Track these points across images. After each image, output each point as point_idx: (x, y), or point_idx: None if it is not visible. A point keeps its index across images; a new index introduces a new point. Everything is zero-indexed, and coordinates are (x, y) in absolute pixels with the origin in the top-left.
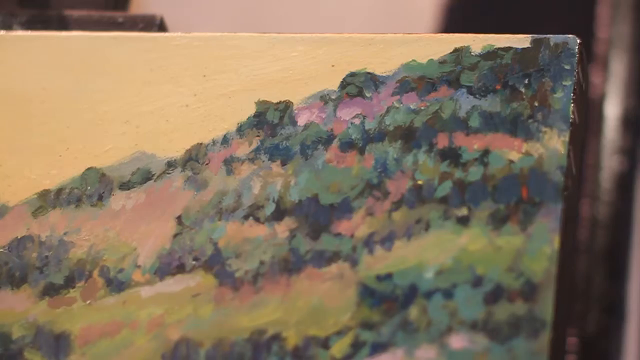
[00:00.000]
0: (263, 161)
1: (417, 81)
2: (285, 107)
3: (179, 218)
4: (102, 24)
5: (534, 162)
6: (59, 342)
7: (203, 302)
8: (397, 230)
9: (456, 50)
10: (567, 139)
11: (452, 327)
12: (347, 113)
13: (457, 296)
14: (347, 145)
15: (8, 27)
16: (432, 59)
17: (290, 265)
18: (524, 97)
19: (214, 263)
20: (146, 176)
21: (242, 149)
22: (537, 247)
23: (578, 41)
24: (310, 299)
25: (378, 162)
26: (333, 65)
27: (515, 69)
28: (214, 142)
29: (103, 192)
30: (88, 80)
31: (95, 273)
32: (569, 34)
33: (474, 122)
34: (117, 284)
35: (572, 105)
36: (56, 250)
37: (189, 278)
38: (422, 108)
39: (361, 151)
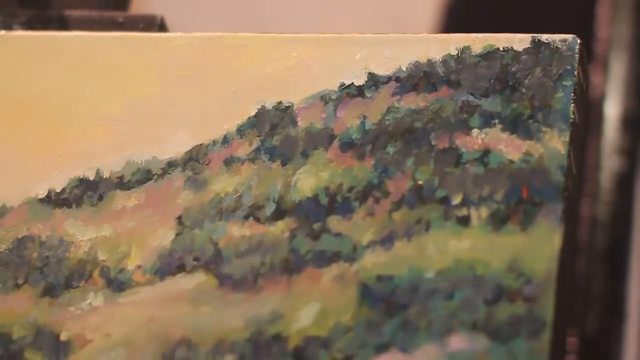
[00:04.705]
0: (263, 161)
1: (417, 81)
2: (285, 107)
3: (179, 218)
4: (102, 24)
5: (534, 162)
6: (59, 343)
7: (203, 302)
8: (397, 231)
9: (456, 50)
10: (567, 139)
11: (452, 327)
12: (348, 113)
13: (457, 296)
14: (348, 145)
15: (8, 27)
16: (432, 59)
17: (291, 265)
18: (524, 97)
19: (215, 263)
20: (146, 176)
21: (243, 149)
22: (538, 247)
23: (578, 41)
24: (310, 299)
25: (378, 162)
26: (333, 65)
27: (516, 69)
28: (214, 142)
29: (103, 192)
30: (88, 80)
31: (96, 273)
32: (569, 34)
33: (474, 122)
34: (117, 284)
35: (572, 105)
36: (56, 250)
37: (189, 278)
38: (422, 108)
39: (361, 151)
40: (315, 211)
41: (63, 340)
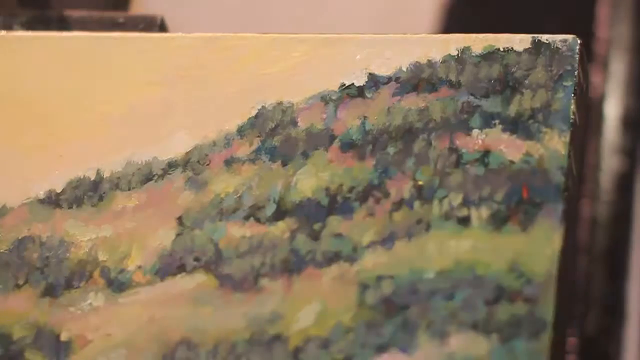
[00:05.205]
0: (264, 161)
1: (418, 81)
2: (286, 108)
3: (179, 218)
4: (102, 25)
5: (534, 162)
6: (59, 343)
7: (204, 302)
8: (397, 231)
9: (456, 50)
10: (567, 139)
11: (452, 327)
12: (348, 114)
13: (457, 297)
14: (348, 145)
15: (8, 27)
16: (432, 59)
17: (291, 265)
18: (525, 97)
19: (215, 263)
20: (147, 176)
21: (243, 150)
22: (538, 247)
23: (578, 41)
24: (311, 299)
25: (379, 163)
26: (334, 66)
27: (516, 70)
28: (214, 142)
29: (104, 193)
30: (88, 80)
31: (96, 274)
32: (569, 34)
33: (475, 122)
34: (117, 285)
35: (572, 105)
36: (57, 250)
37: (189, 278)
38: (423, 108)
39: (362, 152)
40: (316, 211)
41: (63, 341)
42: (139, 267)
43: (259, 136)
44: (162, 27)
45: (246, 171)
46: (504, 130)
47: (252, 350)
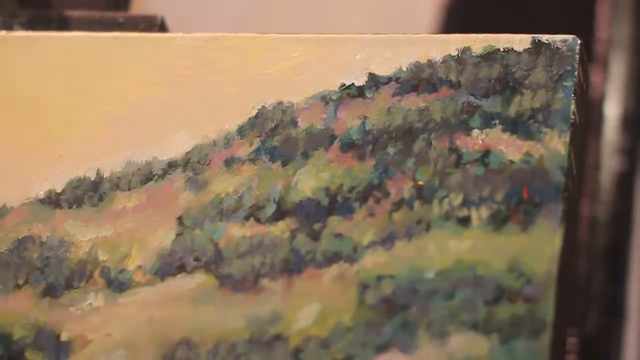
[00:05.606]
0: (264, 162)
1: (418, 81)
2: (286, 108)
3: (179, 218)
4: (102, 25)
5: (534, 162)
6: (59, 343)
7: (204, 302)
8: (397, 231)
9: (457, 50)
10: (567, 139)
11: (452, 327)
12: (348, 114)
13: (457, 296)
14: (348, 145)
15: (9, 27)
16: (432, 59)
17: (291, 265)
18: (525, 97)
19: (215, 263)
20: (147, 177)
21: (243, 150)
22: (538, 247)
23: (578, 41)
24: (311, 299)
25: (379, 163)
26: (334, 66)
27: (516, 70)
28: (214, 142)
29: (104, 193)
30: (88, 80)
31: (96, 273)
32: (569, 34)
33: (475, 122)
34: (118, 285)
35: (572, 105)
36: (57, 250)
37: (189, 278)
38: (423, 108)
39: (362, 152)
40: (316, 211)
41: (63, 341)
42: (139, 267)
43: (259, 136)
44: (162, 27)
45: (246, 171)
46: (504, 130)
47: (252, 350)
